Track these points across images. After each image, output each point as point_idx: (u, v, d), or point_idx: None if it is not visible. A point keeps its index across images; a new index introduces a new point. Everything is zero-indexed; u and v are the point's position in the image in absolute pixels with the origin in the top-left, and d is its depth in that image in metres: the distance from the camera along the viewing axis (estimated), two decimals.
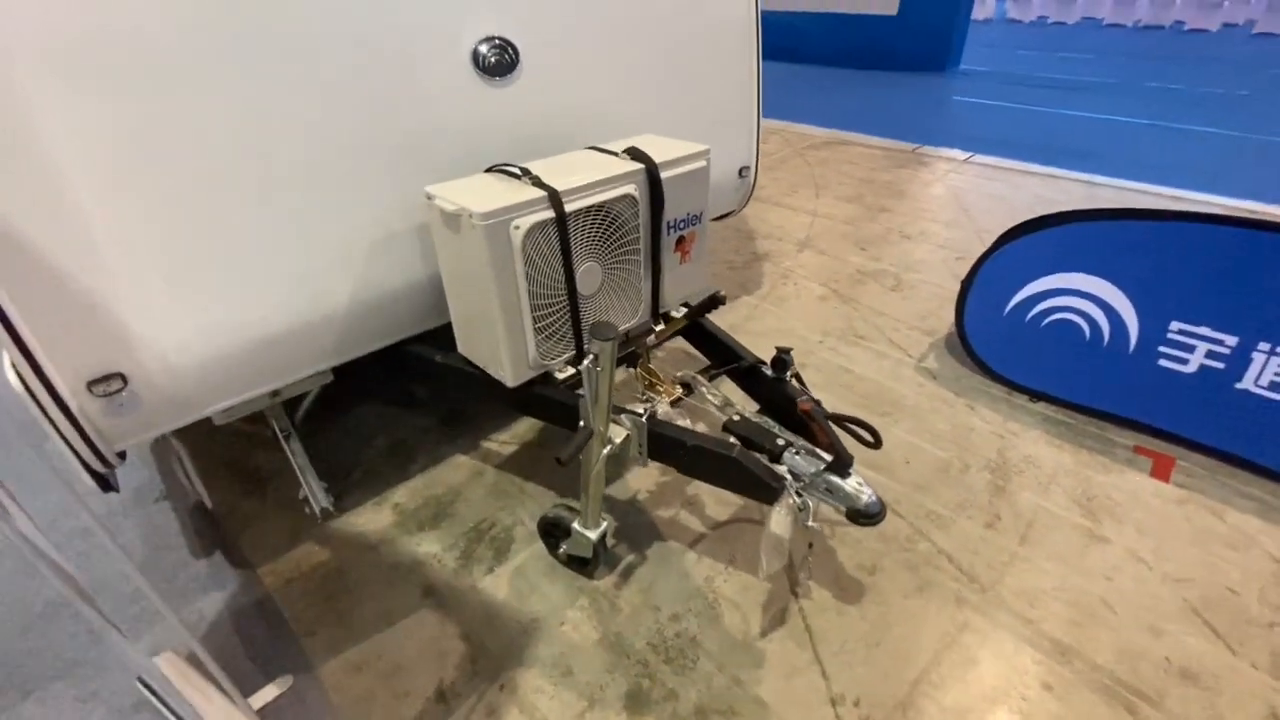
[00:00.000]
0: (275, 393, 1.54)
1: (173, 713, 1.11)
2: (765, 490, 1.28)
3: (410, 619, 1.54)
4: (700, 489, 1.85)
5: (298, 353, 1.47)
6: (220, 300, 1.32)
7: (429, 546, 1.73)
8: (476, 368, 1.56)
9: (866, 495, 1.23)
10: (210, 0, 1.18)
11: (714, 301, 1.76)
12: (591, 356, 1.13)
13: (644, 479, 1.89)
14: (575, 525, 1.49)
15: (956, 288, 2.31)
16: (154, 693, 1.12)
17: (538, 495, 1.87)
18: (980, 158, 4.62)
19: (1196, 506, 1.79)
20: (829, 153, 4.87)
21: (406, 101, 1.44)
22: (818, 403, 1.42)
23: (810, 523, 1.27)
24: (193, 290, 1.28)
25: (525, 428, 2.14)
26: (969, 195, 3.95)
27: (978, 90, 6.92)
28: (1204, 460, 1.93)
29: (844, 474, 1.25)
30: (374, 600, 1.59)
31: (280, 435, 1.76)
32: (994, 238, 2.17)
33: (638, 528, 1.75)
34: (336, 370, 1.62)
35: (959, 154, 4.72)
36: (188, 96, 1.19)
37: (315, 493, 1.77)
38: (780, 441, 1.34)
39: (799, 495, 1.26)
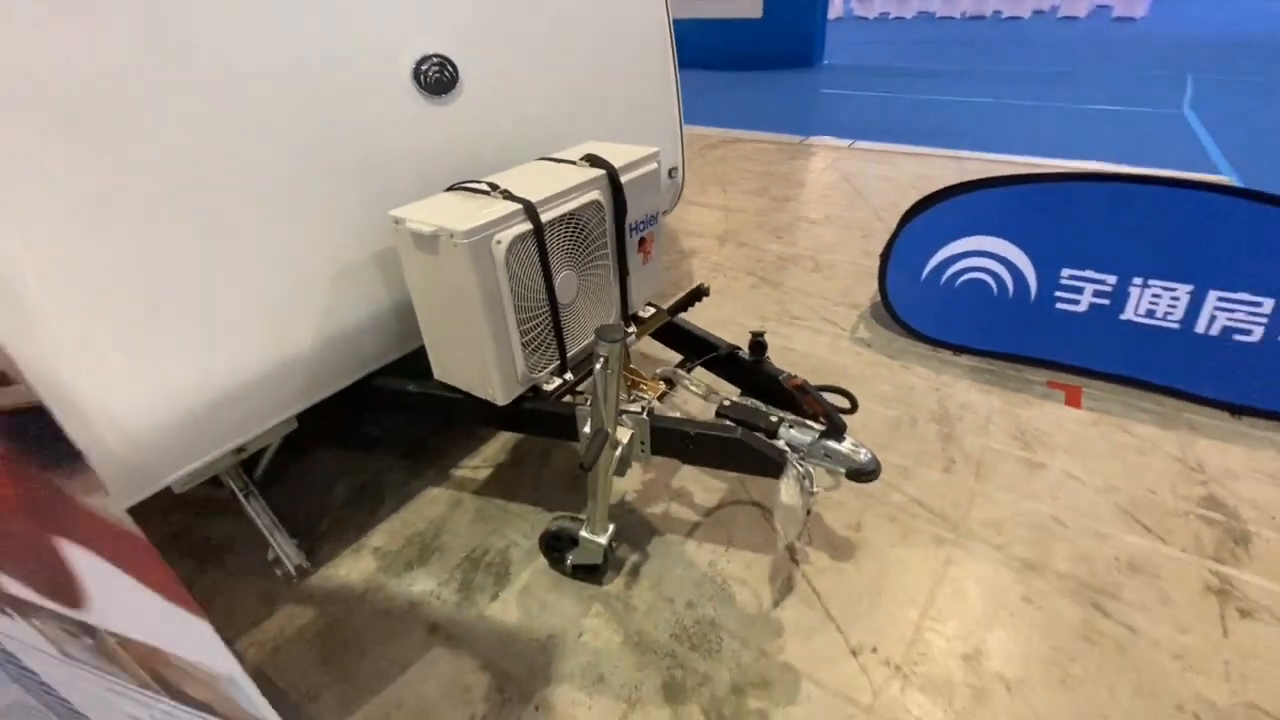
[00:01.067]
0: (240, 449, 1.42)
1: None
2: (770, 465, 1.34)
3: (422, 660, 1.47)
4: (684, 481, 1.90)
5: (265, 401, 1.37)
6: (178, 354, 1.21)
7: (423, 584, 1.66)
8: (458, 392, 1.52)
9: (864, 454, 1.33)
10: (129, 28, 1.08)
11: (698, 294, 1.80)
12: (601, 359, 1.15)
13: (629, 480, 1.91)
14: (583, 533, 1.48)
15: (869, 264, 2.51)
16: None
17: (525, 514, 1.84)
18: (861, 144, 5.01)
19: (1107, 425, 2.05)
20: (726, 150, 5.10)
21: (354, 125, 1.38)
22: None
23: (813, 490, 1.34)
24: (147, 346, 1.17)
25: (495, 449, 2.10)
26: (859, 178, 4.27)
27: (843, 82, 7.47)
28: (1105, 385, 2.21)
29: (840, 438, 1.34)
30: (378, 649, 1.51)
31: (240, 495, 1.62)
32: (889, 214, 2.39)
33: (633, 527, 1.77)
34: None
35: (842, 142, 5.09)
36: (111, 135, 1.09)
37: (286, 551, 1.65)
38: (774, 418, 1.41)
39: (800, 465, 1.33)
